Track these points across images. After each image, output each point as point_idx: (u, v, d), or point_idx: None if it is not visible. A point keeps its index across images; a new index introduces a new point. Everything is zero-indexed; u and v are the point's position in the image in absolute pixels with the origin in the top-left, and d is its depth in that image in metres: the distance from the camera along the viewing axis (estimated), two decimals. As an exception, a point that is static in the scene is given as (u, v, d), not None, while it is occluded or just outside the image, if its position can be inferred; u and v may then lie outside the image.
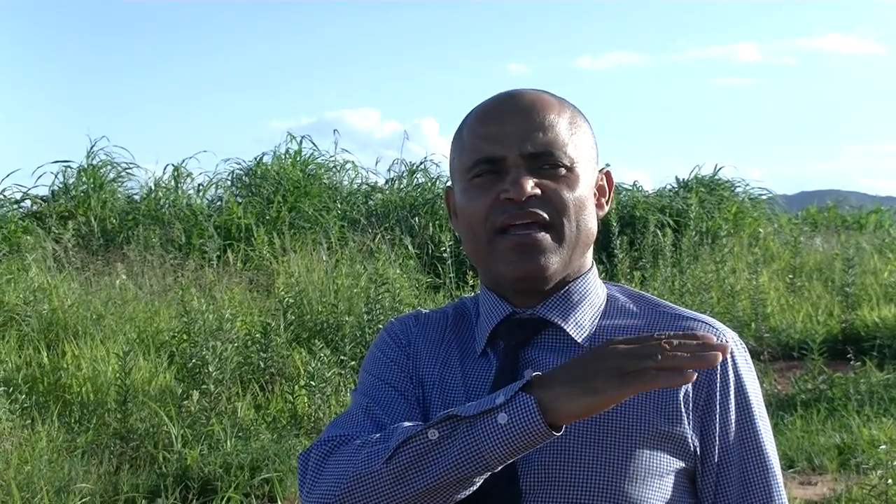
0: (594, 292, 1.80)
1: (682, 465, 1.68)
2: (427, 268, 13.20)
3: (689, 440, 1.67)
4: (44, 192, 15.20)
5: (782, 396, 8.76)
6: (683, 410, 1.67)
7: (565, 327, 1.74)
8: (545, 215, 1.68)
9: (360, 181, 17.20)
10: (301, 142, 16.88)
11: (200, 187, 16.11)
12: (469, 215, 1.74)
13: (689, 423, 1.67)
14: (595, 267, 1.84)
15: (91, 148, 15.57)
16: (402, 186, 16.96)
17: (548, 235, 1.69)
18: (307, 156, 16.82)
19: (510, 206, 1.68)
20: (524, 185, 1.66)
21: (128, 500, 6.39)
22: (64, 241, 12.04)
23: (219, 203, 15.50)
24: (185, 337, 8.89)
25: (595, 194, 1.79)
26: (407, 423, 1.60)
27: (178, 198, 15.54)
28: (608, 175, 1.86)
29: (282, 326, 9.33)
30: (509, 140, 1.70)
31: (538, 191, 1.68)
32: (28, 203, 14.94)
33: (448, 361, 1.80)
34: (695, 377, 1.40)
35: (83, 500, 6.21)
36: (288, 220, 14.17)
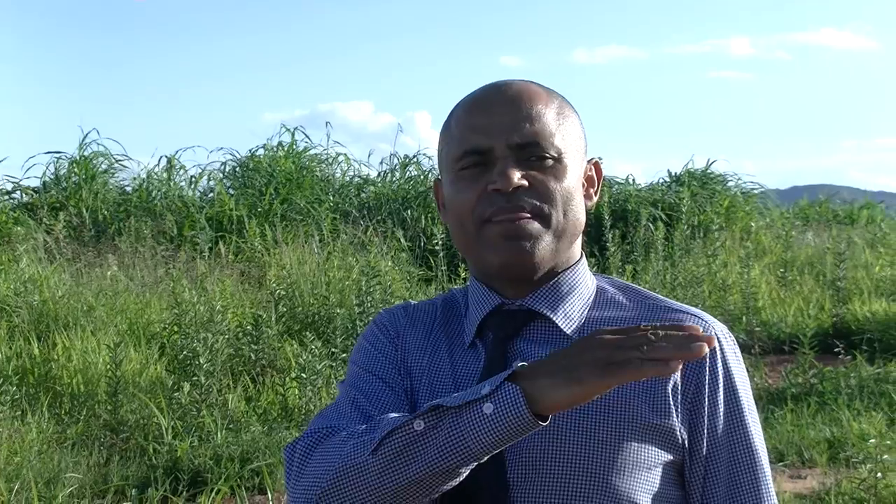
0: (583, 284, 1.79)
1: (671, 457, 1.67)
2: (419, 260, 13.20)
3: (678, 432, 1.67)
4: (35, 183, 15.19)
5: (773, 390, 8.76)
6: (672, 403, 1.67)
7: (554, 319, 1.74)
8: (533, 206, 1.68)
9: (352, 174, 17.22)
10: (294, 134, 16.88)
11: (193, 179, 16.10)
12: (457, 207, 1.74)
13: (677, 416, 1.67)
14: (584, 258, 1.84)
15: (83, 139, 15.56)
16: (394, 179, 16.97)
17: (535, 223, 1.68)
18: (300, 149, 16.81)
19: (498, 197, 1.67)
20: (511, 176, 1.66)
21: (117, 491, 6.38)
22: (55, 233, 12.03)
23: (211, 195, 15.49)
24: (176, 329, 8.88)
25: (584, 185, 1.79)
26: (393, 415, 1.60)
27: (170, 190, 15.51)
28: (597, 165, 1.85)
29: (273, 318, 9.33)
30: (496, 131, 1.69)
31: (525, 182, 1.67)
32: (19, 194, 14.92)
33: (437, 352, 1.79)
34: (680, 368, 1.39)
35: (73, 491, 6.21)
36: (280, 213, 14.17)
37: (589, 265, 1.86)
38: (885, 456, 5.94)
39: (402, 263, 12.08)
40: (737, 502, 1.70)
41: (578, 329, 1.74)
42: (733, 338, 1.79)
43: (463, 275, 10.95)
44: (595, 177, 1.84)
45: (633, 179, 17.66)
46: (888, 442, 6.24)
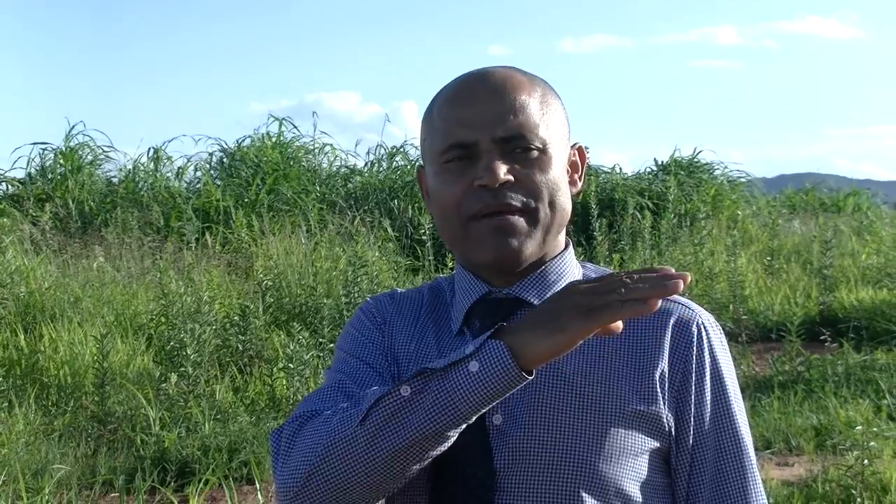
0: (570, 272, 1.79)
1: (657, 444, 1.68)
2: (406, 250, 13.20)
3: (664, 420, 1.67)
4: (21, 174, 15.15)
5: (760, 378, 8.79)
6: (659, 390, 1.67)
7: (541, 307, 1.74)
8: (519, 202, 1.67)
9: (339, 164, 17.20)
10: (282, 124, 16.86)
11: (179, 170, 16.08)
12: (442, 201, 1.73)
13: (664, 403, 1.67)
14: (571, 246, 1.84)
15: (69, 130, 15.52)
16: (381, 169, 16.96)
17: (522, 219, 1.68)
18: (287, 139, 16.79)
19: (484, 193, 1.67)
20: (497, 171, 1.65)
21: (105, 482, 6.38)
22: (41, 224, 12.00)
23: (197, 185, 15.46)
24: (163, 320, 8.87)
25: (568, 171, 1.78)
26: (377, 388, 1.59)
27: (156, 180, 15.49)
28: (580, 150, 1.84)
29: (260, 309, 9.32)
30: (480, 124, 1.68)
31: (511, 177, 1.66)
32: (5, 185, 14.88)
33: (424, 339, 1.79)
34: (658, 305, 1.40)
35: (60, 482, 6.20)
36: (267, 203, 14.15)
37: (576, 254, 1.86)
38: (872, 443, 5.96)
39: (389, 253, 12.08)
40: (723, 490, 1.71)
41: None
42: (719, 326, 1.80)
43: (450, 265, 10.96)
44: (579, 162, 1.83)
45: (620, 168, 17.71)
46: (875, 429, 6.26)
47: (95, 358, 7.60)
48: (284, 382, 7.84)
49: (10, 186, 14.76)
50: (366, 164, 17.24)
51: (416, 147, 17.11)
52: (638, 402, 1.66)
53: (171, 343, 8.18)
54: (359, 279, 9.31)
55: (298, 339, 7.84)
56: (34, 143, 15.37)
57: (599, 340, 1.69)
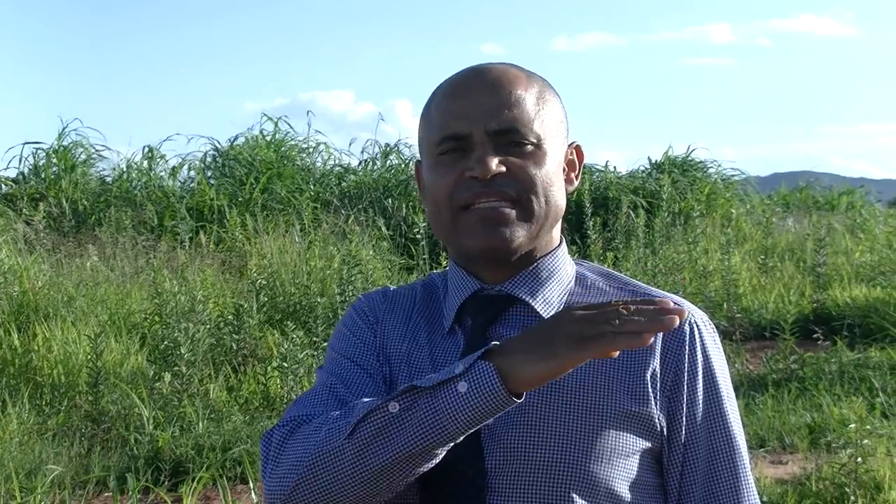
0: (563, 269, 1.79)
1: (649, 444, 1.68)
2: (400, 249, 13.20)
3: (656, 420, 1.67)
4: (14, 174, 15.14)
5: (754, 376, 8.80)
6: (651, 390, 1.67)
7: (533, 304, 1.73)
8: (511, 193, 1.67)
9: (333, 163, 17.19)
10: (277, 123, 16.85)
11: (173, 169, 16.06)
12: (434, 192, 1.73)
13: (656, 403, 1.67)
14: (564, 244, 1.84)
15: (63, 129, 15.50)
16: (375, 168, 16.95)
17: (514, 210, 1.68)
18: (280, 138, 16.78)
19: (475, 184, 1.67)
20: (489, 163, 1.65)
21: (99, 481, 6.37)
22: (35, 223, 11.98)
23: (191, 184, 15.45)
24: (157, 319, 8.86)
25: (564, 169, 1.78)
26: (367, 399, 1.59)
27: (150, 179, 15.48)
28: (578, 149, 1.83)
29: (254, 308, 9.31)
30: (475, 117, 1.68)
31: (503, 168, 1.67)
32: (-2, 185, 14.86)
33: (416, 338, 1.79)
34: (651, 341, 1.40)
35: (54, 481, 6.19)
36: (261, 202, 14.14)
37: (570, 252, 1.86)
38: (866, 441, 5.96)
39: (383, 252, 12.08)
40: (715, 490, 1.70)
41: (557, 315, 1.74)
42: (713, 326, 1.79)
43: (444, 263, 10.94)
44: (576, 160, 1.83)
45: (614, 167, 17.69)
46: (868, 427, 6.26)
47: (89, 357, 7.59)
48: (278, 381, 7.84)
49: (3, 186, 14.74)
50: (360, 163, 17.24)
51: (409, 146, 17.12)
52: (629, 403, 1.65)
53: (165, 342, 8.17)
54: (353, 278, 9.31)
55: (292, 338, 7.83)
56: (27, 143, 15.36)
57: None
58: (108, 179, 15.53)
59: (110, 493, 6.13)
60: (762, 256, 13.56)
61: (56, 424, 7.17)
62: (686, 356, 1.70)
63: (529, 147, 1.69)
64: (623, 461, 1.65)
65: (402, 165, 16.62)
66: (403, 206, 14.51)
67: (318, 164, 16.96)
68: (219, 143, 16.51)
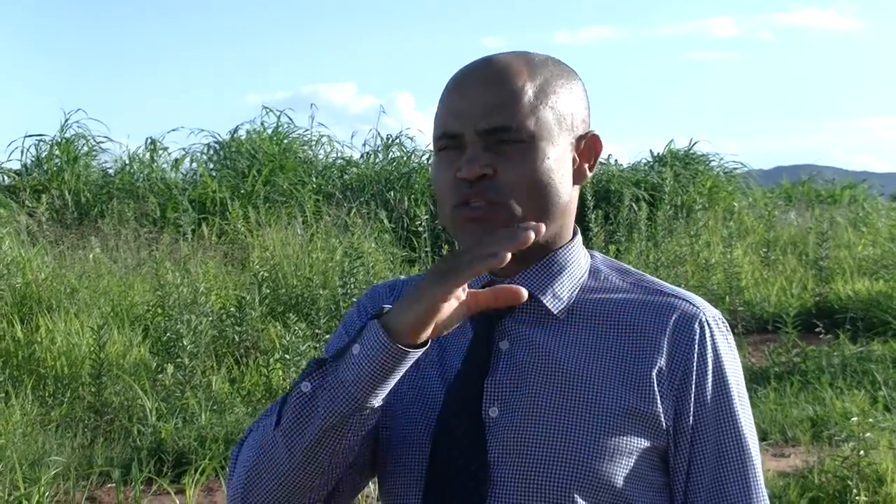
0: (575, 262, 1.76)
1: (654, 443, 1.65)
2: (402, 242, 13.21)
3: (662, 418, 1.64)
4: (17, 165, 15.15)
5: (756, 369, 8.80)
6: (657, 388, 1.64)
7: (542, 298, 1.71)
8: (494, 197, 1.64)
9: (335, 155, 17.19)
10: (280, 116, 16.85)
11: (176, 161, 16.07)
12: (437, 186, 1.73)
13: (662, 402, 1.64)
14: (579, 236, 1.80)
15: (65, 121, 15.50)
16: (377, 161, 16.94)
17: (498, 214, 1.65)
18: (283, 130, 16.78)
19: (464, 184, 1.65)
20: (473, 165, 1.64)
21: (102, 472, 6.38)
22: (38, 215, 11.99)
23: (193, 177, 15.45)
24: (159, 311, 8.87)
25: (575, 160, 1.74)
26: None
27: (152, 171, 15.48)
28: (595, 138, 1.79)
29: (257, 300, 9.32)
30: (467, 115, 1.66)
31: (489, 170, 1.64)
32: (1, 177, 14.85)
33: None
34: (509, 257, 1.45)
35: (57, 472, 6.20)
36: (263, 194, 14.14)
37: (581, 241, 1.83)
38: (868, 434, 5.96)
39: (385, 245, 12.08)
40: (723, 492, 1.67)
41: (567, 309, 1.71)
42: (726, 324, 1.75)
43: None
44: (592, 150, 1.78)
45: (616, 160, 17.66)
46: (871, 420, 6.27)
47: (92, 349, 7.60)
48: (281, 373, 7.85)
49: (6, 177, 14.74)
50: (362, 156, 17.24)
51: (411, 138, 17.14)
52: (634, 400, 1.63)
53: (168, 334, 8.18)
54: (355, 270, 9.32)
55: (295, 330, 7.84)
56: (29, 135, 15.37)
57: (599, 336, 1.68)
58: (111, 171, 15.54)
59: (113, 485, 6.14)
60: (764, 250, 13.56)
61: (59, 416, 7.18)
62: (695, 355, 1.67)
63: (520, 145, 1.66)
64: (627, 460, 1.63)
65: (404, 158, 16.62)
66: (405, 198, 14.52)
67: (321, 157, 16.97)
68: (220, 137, 16.51)
